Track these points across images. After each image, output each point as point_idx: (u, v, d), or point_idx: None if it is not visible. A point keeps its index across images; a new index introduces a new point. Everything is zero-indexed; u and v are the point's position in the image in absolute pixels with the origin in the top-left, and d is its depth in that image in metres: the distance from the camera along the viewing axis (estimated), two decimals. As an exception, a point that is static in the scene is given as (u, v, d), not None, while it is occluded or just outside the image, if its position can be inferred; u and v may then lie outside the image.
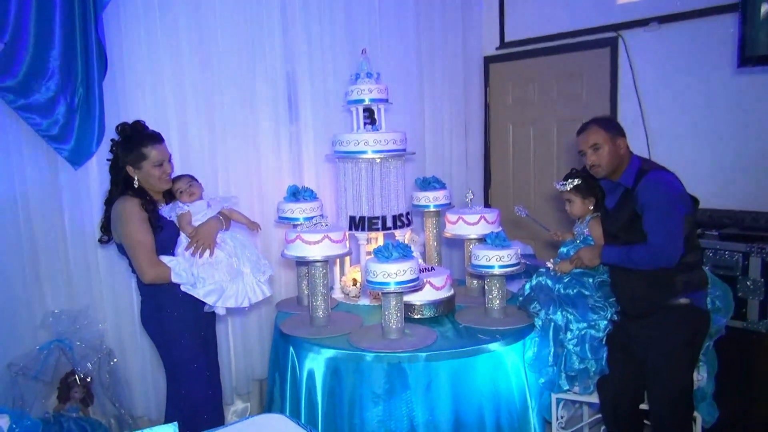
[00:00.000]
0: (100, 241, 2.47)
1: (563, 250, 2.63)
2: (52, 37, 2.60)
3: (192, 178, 2.53)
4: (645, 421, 2.48)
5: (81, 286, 2.86)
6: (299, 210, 2.87)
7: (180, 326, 2.38)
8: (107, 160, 2.43)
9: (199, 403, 2.43)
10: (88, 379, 2.83)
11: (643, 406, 2.44)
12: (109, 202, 2.40)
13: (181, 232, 2.40)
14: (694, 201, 2.31)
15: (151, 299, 2.41)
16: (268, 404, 2.97)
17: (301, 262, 2.89)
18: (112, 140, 2.41)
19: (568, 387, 2.48)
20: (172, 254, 2.37)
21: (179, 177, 2.51)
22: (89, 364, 2.81)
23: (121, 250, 2.38)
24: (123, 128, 2.39)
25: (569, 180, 2.54)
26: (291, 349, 2.57)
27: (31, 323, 2.75)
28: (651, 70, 3.61)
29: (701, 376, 2.43)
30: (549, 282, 2.55)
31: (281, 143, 3.44)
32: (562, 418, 2.62)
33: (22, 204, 2.68)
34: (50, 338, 2.76)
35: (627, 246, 2.27)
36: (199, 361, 2.43)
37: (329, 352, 2.45)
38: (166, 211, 2.42)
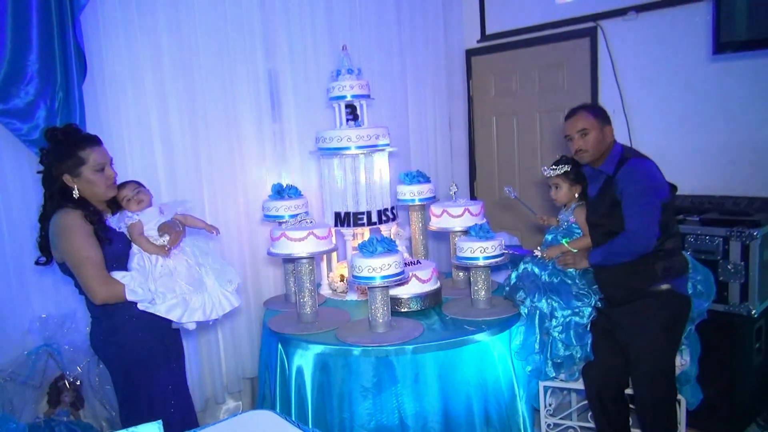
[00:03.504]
0: (37, 263, 2.16)
1: (548, 237, 2.67)
2: (29, 41, 2.58)
3: (138, 184, 2.27)
4: (631, 406, 2.52)
5: (68, 289, 2.82)
6: (284, 207, 2.88)
7: (142, 346, 2.14)
8: (37, 172, 2.15)
9: (168, 418, 2.13)
10: (78, 383, 2.81)
11: (629, 391, 2.47)
12: (44, 219, 2.12)
13: (133, 244, 2.16)
14: (673, 188, 2.34)
15: (105, 320, 2.14)
16: (259, 402, 2.98)
17: (288, 260, 2.90)
18: (40, 149, 2.13)
19: (554, 374, 2.52)
20: (125, 269, 2.11)
21: (124, 184, 2.25)
22: (78, 368, 2.80)
23: (65, 270, 2.11)
24: (53, 133, 2.11)
25: (559, 165, 2.57)
26: (279, 346, 2.58)
27: (18, 328, 2.73)
28: (630, 58, 3.65)
29: (684, 360, 2.48)
30: (535, 269, 2.59)
31: (265, 141, 3.44)
32: (550, 405, 2.66)
33: (5, 209, 2.66)
34: (38, 343, 2.75)
35: (607, 243, 2.31)
36: (163, 375, 2.20)
37: (317, 348, 2.46)
38: (113, 221, 2.18)
